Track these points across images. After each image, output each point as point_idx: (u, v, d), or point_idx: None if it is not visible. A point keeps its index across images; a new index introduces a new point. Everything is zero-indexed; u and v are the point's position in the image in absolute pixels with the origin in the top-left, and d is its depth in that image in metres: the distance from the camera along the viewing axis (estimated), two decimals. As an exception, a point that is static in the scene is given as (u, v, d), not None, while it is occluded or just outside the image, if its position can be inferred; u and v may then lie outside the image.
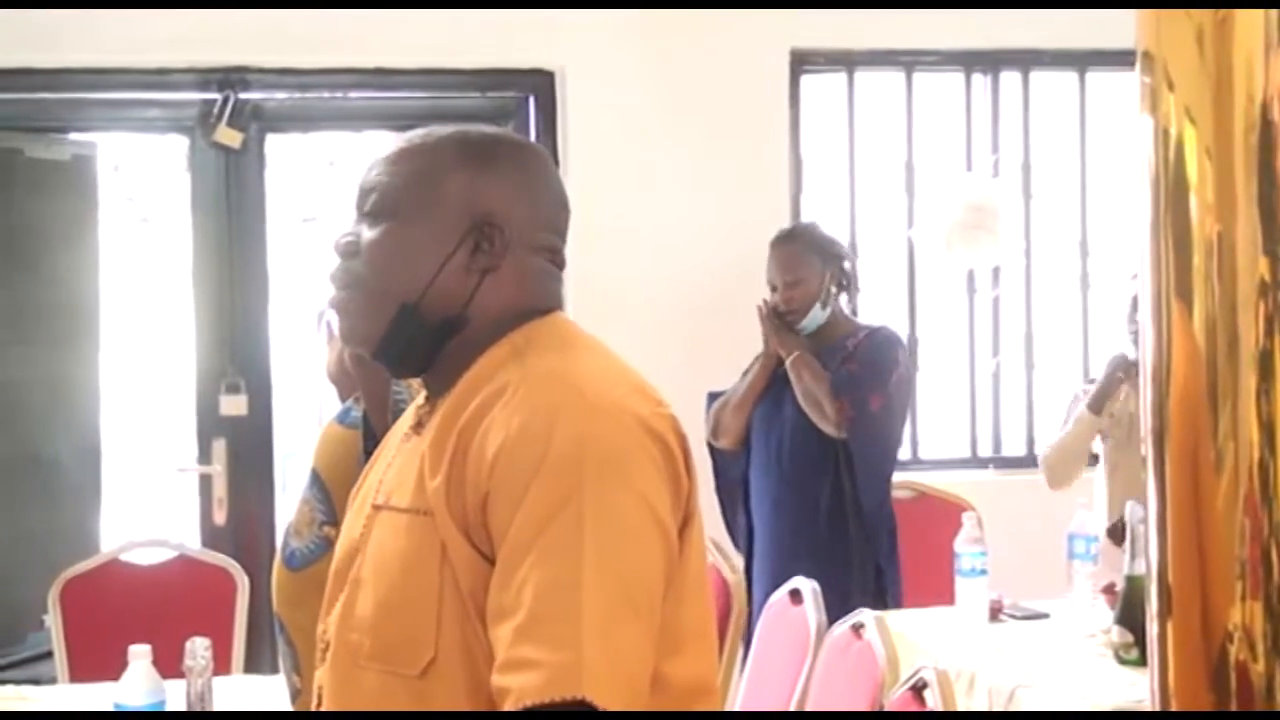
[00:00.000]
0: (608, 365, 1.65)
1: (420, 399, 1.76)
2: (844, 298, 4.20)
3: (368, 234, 1.67)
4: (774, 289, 4.14)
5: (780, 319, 4.11)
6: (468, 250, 1.65)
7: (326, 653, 1.69)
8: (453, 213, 1.66)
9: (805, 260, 4.11)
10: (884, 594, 4.00)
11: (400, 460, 1.70)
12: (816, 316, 4.09)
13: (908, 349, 4.18)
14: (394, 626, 1.58)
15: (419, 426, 1.69)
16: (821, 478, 4.02)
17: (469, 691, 1.54)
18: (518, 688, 1.46)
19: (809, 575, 3.54)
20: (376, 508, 1.68)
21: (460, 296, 1.65)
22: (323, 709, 1.70)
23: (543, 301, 1.70)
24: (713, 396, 4.27)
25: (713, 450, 4.24)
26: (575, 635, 1.45)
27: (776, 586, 3.50)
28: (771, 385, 4.13)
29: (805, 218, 5.02)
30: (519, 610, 1.48)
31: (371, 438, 2.14)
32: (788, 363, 4.06)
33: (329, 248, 1.72)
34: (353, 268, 1.68)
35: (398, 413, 2.06)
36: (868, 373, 4.02)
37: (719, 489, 4.24)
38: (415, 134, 1.72)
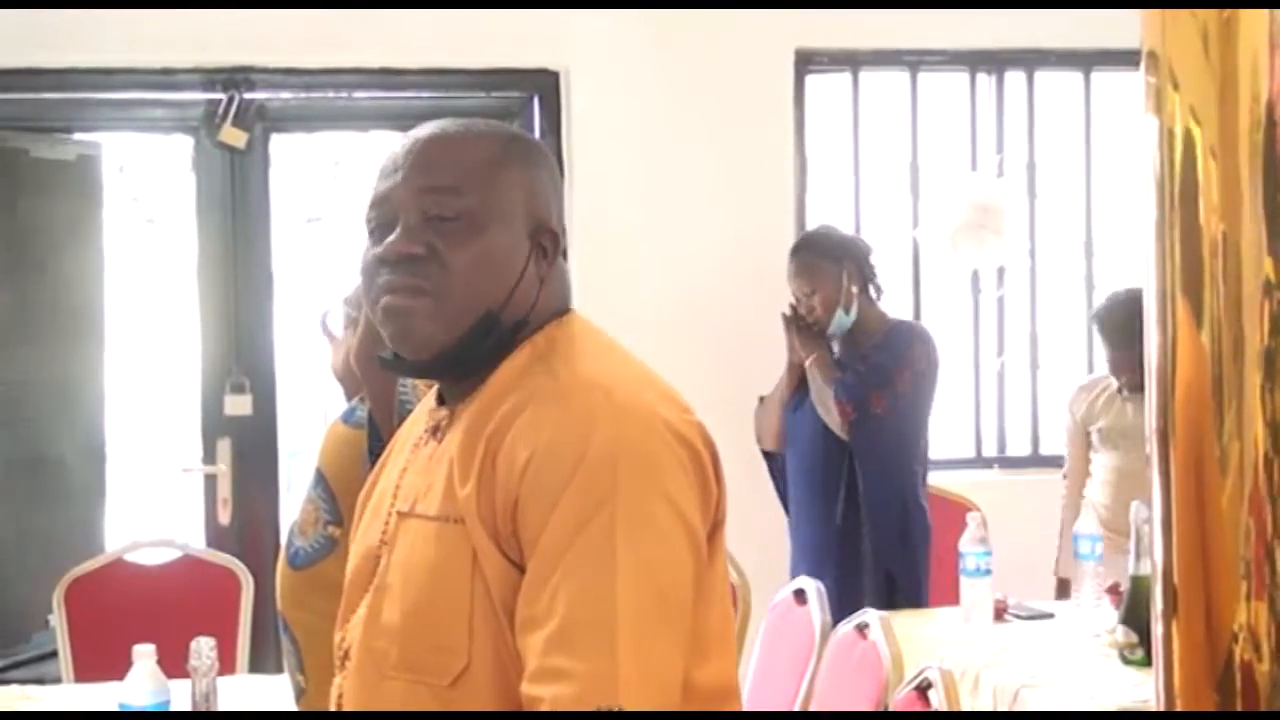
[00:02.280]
0: (633, 370, 1.64)
1: (431, 402, 1.73)
2: (872, 293, 4.18)
3: (441, 238, 1.61)
4: (797, 299, 4.16)
5: (804, 324, 4.13)
6: (535, 256, 1.64)
7: (346, 660, 1.66)
8: (521, 217, 1.64)
9: (818, 268, 4.10)
10: (893, 601, 3.93)
11: (418, 465, 1.67)
12: (842, 321, 4.10)
13: (930, 343, 4.16)
14: (424, 635, 1.56)
15: (436, 431, 1.67)
16: (838, 482, 4.03)
17: (498, 701, 1.53)
18: (551, 697, 1.45)
19: (829, 579, 3.54)
20: (402, 515, 1.65)
21: (529, 302, 1.64)
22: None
23: (567, 302, 1.70)
24: (764, 400, 4.32)
25: (764, 453, 4.30)
26: (609, 645, 1.45)
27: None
28: (798, 389, 4.15)
29: (810, 218, 5.03)
30: (551, 619, 1.46)
31: (377, 438, 2.14)
32: (806, 365, 4.09)
33: (385, 253, 1.62)
34: (430, 273, 1.60)
35: (403, 413, 2.06)
36: (872, 374, 4.02)
37: (778, 490, 4.30)
38: (458, 128, 1.68)
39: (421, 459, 1.67)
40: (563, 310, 1.69)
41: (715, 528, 1.59)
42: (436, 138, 1.66)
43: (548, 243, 1.66)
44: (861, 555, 4.00)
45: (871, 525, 4.01)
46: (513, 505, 1.52)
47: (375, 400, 2.19)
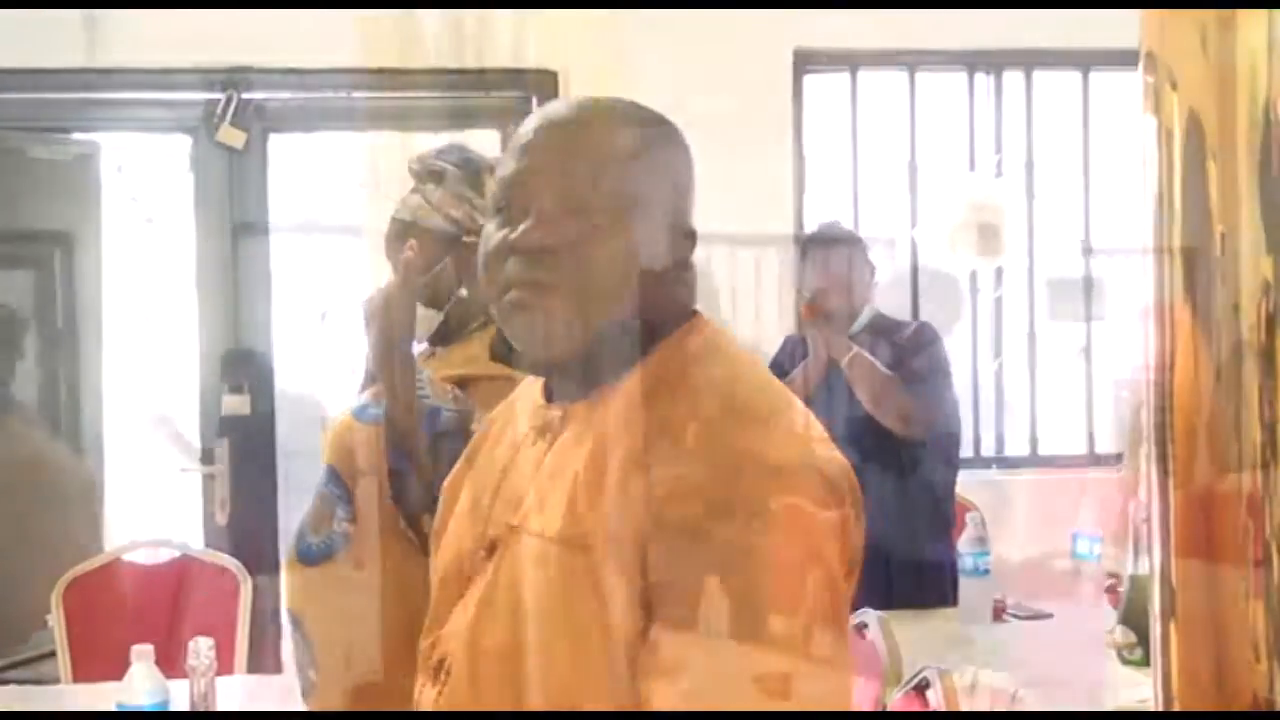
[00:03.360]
0: (777, 391, 1.53)
1: (536, 397, 1.60)
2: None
3: (580, 231, 1.46)
4: (820, 291, 4.05)
5: (829, 320, 4.03)
6: (673, 254, 1.53)
7: (442, 672, 1.54)
8: (662, 212, 1.51)
9: (861, 262, 4.08)
10: (951, 591, 3.92)
11: (524, 469, 1.54)
12: (866, 315, 4.07)
13: None
14: (534, 659, 1.45)
15: (545, 432, 1.54)
16: (886, 477, 3.96)
17: None
18: None
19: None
20: (511, 528, 1.51)
21: (664, 304, 1.52)
22: None
23: (694, 304, 1.57)
24: None
25: None
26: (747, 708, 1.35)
27: None
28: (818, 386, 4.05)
29: (809, 218, 5.03)
30: (683, 674, 1.36)
31: (397, 436, 2.13)
32: (844, 363, 3.95)
33: (519, 241, 1.48)
34: (566, 268, 1.46)
35: (423, 410, 2.05)
36: (936, 371, 3.99)
37: None
38: (601, 108, 1.57)
39: (527, 462, 1.54)
40: (691, 313, 1.56)
41: (850, 571, 1.48)
42: (578, 119, 1.54)
43: (685, 240, 1.54)
44: (920, 551, 3.95)
45: (942, 520, 3.99)
46: (645, 539, 1.39)
47: (394, 398, 2.17)
